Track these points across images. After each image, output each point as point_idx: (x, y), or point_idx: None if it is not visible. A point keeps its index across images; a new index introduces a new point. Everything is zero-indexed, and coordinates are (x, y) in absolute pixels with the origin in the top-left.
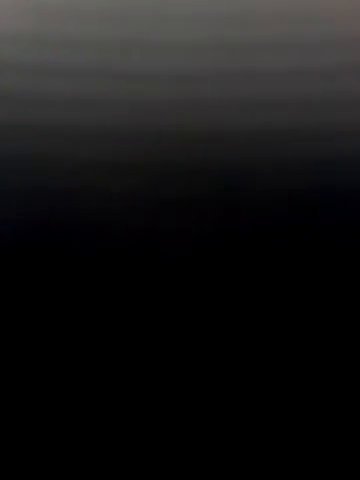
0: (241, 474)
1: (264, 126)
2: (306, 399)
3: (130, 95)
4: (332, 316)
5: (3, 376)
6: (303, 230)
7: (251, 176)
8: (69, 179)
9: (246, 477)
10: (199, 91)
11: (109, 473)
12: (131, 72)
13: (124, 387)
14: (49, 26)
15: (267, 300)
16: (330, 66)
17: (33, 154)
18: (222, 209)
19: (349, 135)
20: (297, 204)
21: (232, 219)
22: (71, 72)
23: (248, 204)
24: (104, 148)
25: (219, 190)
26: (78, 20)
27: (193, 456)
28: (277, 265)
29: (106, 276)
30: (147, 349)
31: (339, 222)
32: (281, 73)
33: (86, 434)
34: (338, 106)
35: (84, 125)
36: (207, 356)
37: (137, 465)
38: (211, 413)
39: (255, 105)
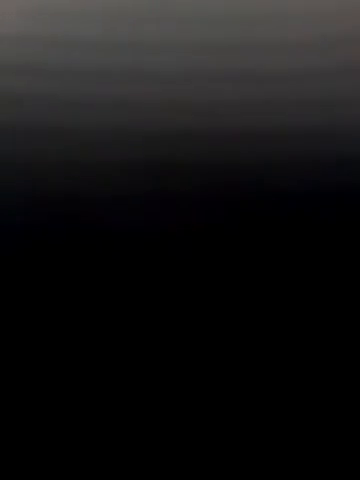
0: (241, 474)
1: (265, 126)
2: (306, 397)
3: (130, 95)
4: (332, 315)
5: (5, 377)
6: (303, 229)
7: (251, 176)
8: (69, 180)
9: (246, 477)
10: (199, 91)
11: (109, 473)
12: (131, 72)
13: (125, 389)
14: (49, 26)
15: (267, 299)
16: (331, 66)
17: (33, 155)
18: (223, 209)
19: (350, 135)
20: (298, 203)
21: (233, 219)
22: (71, 72)
23: (248, 203)
24: (104, 148)
25: (220, 190)
26: (78, 20)
27: (193, 456)
28: (277, 265)
29: (108, 276)
30: (150, 348)
31: (339, 221)
32: (281, 73)
33: (86, 434)
34: (338, 106)
35: (84, 125)
36: (208, 355)
37: (137, 465)
38: (211, 413)
39: (255, 105)
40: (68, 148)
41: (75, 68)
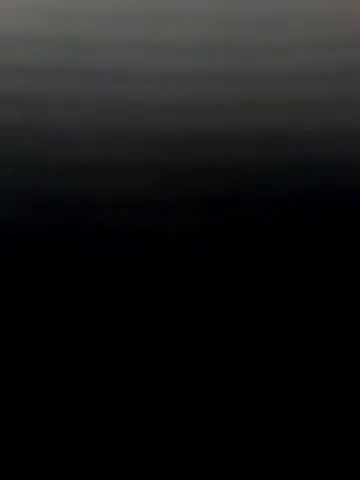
0: (241, 474)
1: (263, 127)
2: (306, 395)
3: (130, 95)
4: (333, 316)
5: (5, 377)
6: (303, 230)
7: (251, 176)
8: (69, 180)
9: (246, 477)
10: (199, 91)
11: (109, 473)
12: (131, 72)
13: (125, 389)
14: (49, 26)
15: (268, 300)
16: (331, 66)
17: (33, 155)
18: (222, 209)
19: (350, 136)
20: (298, 204)
21: (232, 219)
22: (72, 72)
23: (248, 204)
24: (104, 149)
25: (219, 190)
26: (78, 20)
27: (193, 456)
28: (277, 265)
29: (108, 278)
30: (148, 352)
31: (339, 222)
32: (281, 73)
33: (86, 434)
34: (338, 107)
35: (84, 126)
36: (208, 358)
37: (137, 465)
38: (211, 413)
39: (256, 105)
40: (68, 149)
41: (75, 68)
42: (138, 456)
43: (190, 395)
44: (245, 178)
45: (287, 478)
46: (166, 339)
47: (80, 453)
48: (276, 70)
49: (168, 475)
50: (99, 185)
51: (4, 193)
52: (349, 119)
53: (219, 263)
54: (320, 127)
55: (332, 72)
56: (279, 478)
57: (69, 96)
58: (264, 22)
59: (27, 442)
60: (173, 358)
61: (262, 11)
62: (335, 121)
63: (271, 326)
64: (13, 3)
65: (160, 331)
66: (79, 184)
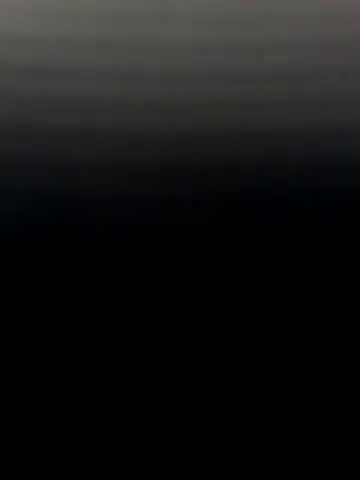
0: (241, 474)
1: (264, 126)
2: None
3: (130, 95)
4: (331, 316)
5: (4, 378)
6: (302, 230)
7: (251, 176)
8: (69, 179)
9: (246, 477)
10: (199, 91)
11: (109, 473)
12: (131, 72)
13: (124, 391)
14: (49, 26)
15: (267, 300)
16: (329, 66)
17: (33, 154)
18: (222, 209)
19: (349, 135)
20: (297, 204)
21: (231, 219)
22: (71, 72)
23: (247, 204)
24: (104, 148)
25: (219, 190)
26: (78, 20)
27: (193, 456)
28: (276, 265)
29: (106, 277)
30: (148, 351)
31: (339, 222)
32: (281, 73)
33: (86, 434)
34: (339, 106)
35: (84, 125)
36: (207, 359)
37: (137, 465)
38: (211, 412)
39: (255, 105)
40: (67, 148)
41: (75, 68)
42: (138, 456)
43: (190, 394)
44: (245, 177)
45: (287, 478)
46: (165, 339)
47: (80, 452)
48: (276, 69)
49: (168, 475)
50: (99, 184)
51: (3, 191)
52: (349, 118)
53: (216, 262)
54: (319, 126)
55: (332, 72)
56: (279, 478)
57: (69, 96)
58: (264, 21)
59: (27, 442)
60: (173, 358)
61: (262, 10)
62: (334, 120)
63: (272, 326)
64: (13, 3)
65: (158, 331)
66: (79, 183)
